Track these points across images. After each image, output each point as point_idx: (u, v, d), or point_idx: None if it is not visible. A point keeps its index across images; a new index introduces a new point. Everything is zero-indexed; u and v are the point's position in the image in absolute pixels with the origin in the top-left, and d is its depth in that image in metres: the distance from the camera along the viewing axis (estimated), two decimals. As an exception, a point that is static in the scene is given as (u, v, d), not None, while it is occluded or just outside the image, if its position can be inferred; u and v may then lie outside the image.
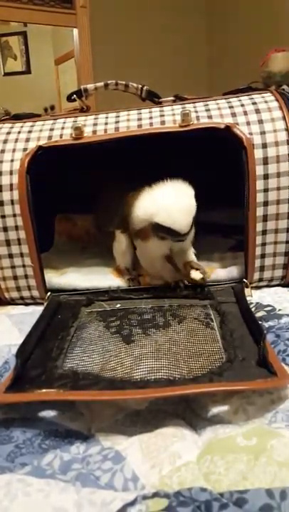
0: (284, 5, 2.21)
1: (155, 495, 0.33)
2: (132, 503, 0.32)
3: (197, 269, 0.69)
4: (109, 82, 0.79)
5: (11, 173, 0.67)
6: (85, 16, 2.54)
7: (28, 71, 2.87)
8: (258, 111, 0.68)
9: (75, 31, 2.58)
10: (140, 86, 0.79)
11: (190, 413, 0.43)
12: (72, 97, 0.79)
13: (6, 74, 2.85)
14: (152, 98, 0.79)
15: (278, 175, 0.65)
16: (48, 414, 0.44)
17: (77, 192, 0.89)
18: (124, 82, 0.79)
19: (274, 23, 2.26)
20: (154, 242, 0.66)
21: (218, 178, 0.85)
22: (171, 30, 2.76)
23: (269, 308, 0.62)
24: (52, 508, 0.33)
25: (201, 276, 0.68)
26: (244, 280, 0.70)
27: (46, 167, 0.76)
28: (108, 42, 2.60)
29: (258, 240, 0.67)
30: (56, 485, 0.35)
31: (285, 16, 2.19)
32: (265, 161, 0.65)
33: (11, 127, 0.73)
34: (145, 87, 0.79)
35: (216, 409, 0.42)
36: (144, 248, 0.70)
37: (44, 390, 0.44)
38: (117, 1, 2.62)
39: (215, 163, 0.86)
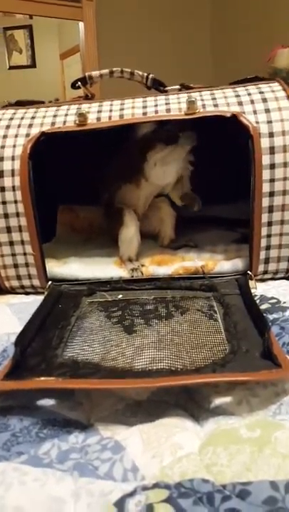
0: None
1: (155, 486, 0.32)
2: (132, 494, 0.31)
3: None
4: (114, 69, 0.78)
5: (13, 158, 0.66)
6: (91, 9, 2.52)
7: (33, 65, 2.86)
8: (264, 100, 0.66)
9: (81, 25, 2.57)
10: (146, 74, 0.78)
11: (192, 404, 0.42)
12: (77, 85, 0.78)
13: (11, 67, 2.84)
14: (158, 87, 0.78)
15: (285, 165, 0.64)
16: (47, 402, 0.43)
17: (80, 183, 0.88)
18: (129, 70, 0.78)
19: (279, 16, 2.24)
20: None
21: (221, 173, 0.84)
22: (177, 24, 2.74)
23: (273, 300, 0.61)
24: (48, 497, 0.32)
25: None
26: (248, 272, 0.69)
27: (49, 156, 0.74)
28: (114, 36, 2.59)
29: (263, 231, 0.66)
30: (53, 474, 0.34)
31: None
32: (272, 151, 0.63)
33: (14, 113, 0.71)
34: (151, 75, 0.77)
35: (218, 401, 0.41)
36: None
37: (43, 378, 0.43)
38: (123, -6, 2.61)
39: (216, 159, 0.85)
